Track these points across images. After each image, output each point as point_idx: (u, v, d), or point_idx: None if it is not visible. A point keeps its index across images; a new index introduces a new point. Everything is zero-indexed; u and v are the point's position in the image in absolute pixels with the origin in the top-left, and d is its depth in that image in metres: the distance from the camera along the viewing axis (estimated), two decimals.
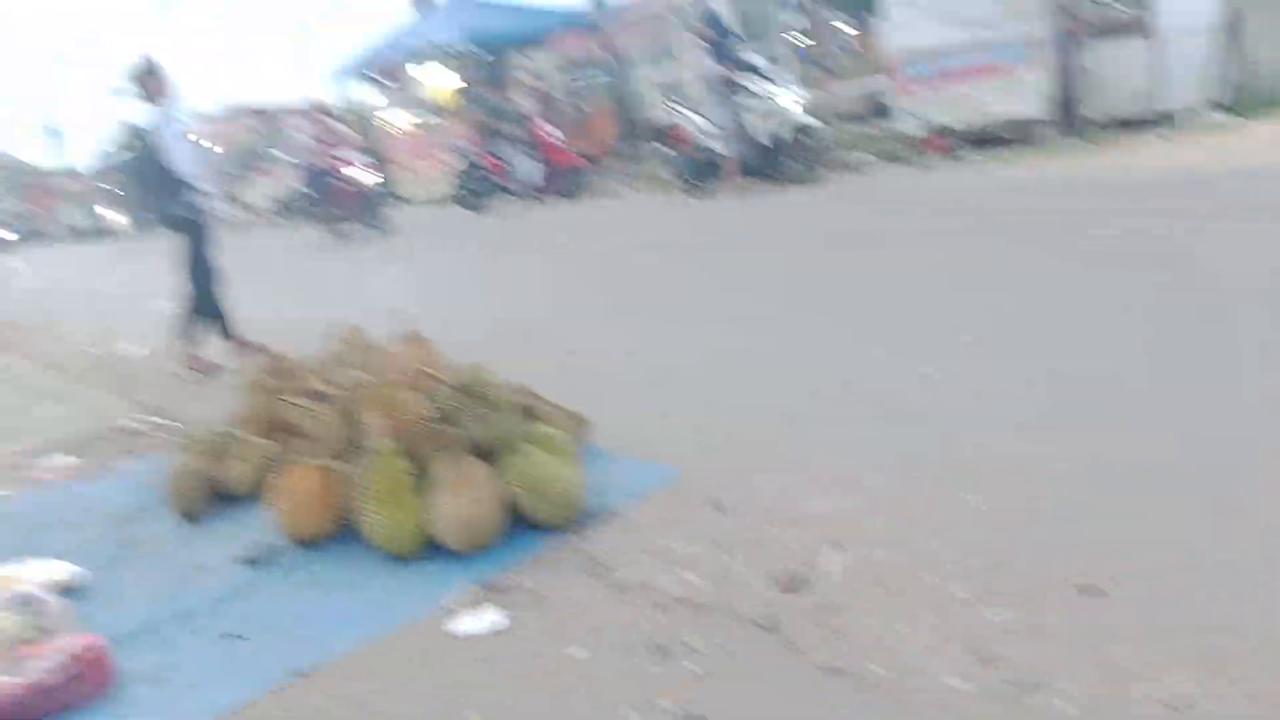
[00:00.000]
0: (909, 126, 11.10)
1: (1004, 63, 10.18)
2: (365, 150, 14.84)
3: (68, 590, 2.75)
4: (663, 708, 1.83)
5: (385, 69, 20.67)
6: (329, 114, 14.99)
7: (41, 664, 2.16)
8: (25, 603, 2.48)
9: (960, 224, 6.71)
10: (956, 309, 4.22)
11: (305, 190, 14.82)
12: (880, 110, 13.19)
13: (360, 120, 21.50)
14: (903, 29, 10.87)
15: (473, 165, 14.90)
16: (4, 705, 2.07)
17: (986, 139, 10.63)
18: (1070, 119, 10.23)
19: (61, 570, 2.82)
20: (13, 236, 33.98)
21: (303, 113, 15.08)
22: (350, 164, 13.74)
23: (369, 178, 13.88)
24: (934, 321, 4.13)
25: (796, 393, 3.60)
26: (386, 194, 14.48)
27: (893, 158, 11.37)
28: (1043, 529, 2.29)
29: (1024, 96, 10.15)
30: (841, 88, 13.61)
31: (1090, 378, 3.26)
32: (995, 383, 3.33)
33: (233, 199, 25.27)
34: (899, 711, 1.72)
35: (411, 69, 20.67)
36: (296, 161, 15.09)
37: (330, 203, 13.96)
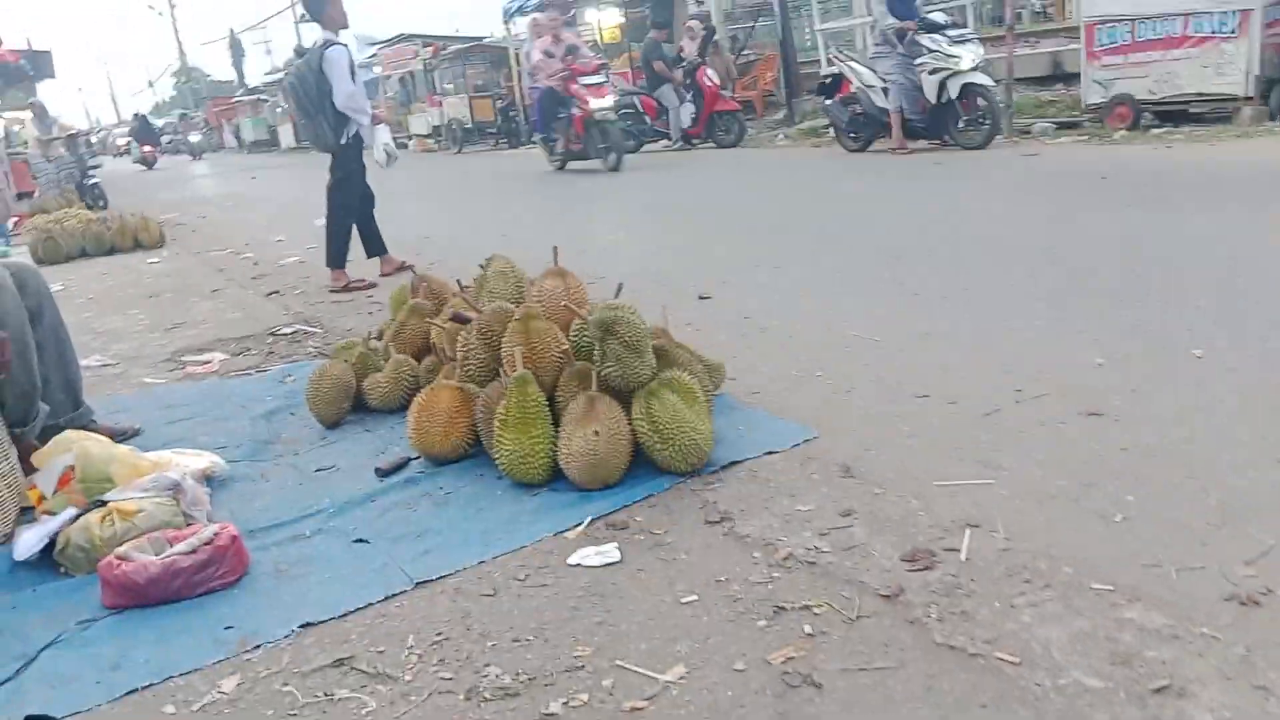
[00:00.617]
0: (1093, 94, 10.47)
1: (1206, 34, 9.46)
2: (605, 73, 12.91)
3: (210, 480, 2.88)
4: (771, 664, 1.78)
5: (553, 5, 20.73)
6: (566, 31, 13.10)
7: (180, 547, 2.25)
8: (172, 489, 2.59)
9: (1162, 214, 6.25)
10: (1171, 314, 3.79)
11: (535, 114, 13.19)
12: (1063, 76, 12.51)
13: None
14: None
15: (627, 106, 14.82)
16: (143, 582, 2.17)
17: (1174, 113, 9.94)
18: (1275, 99, 9.43)
19: (206, 460, 2.95)
20: (198, 141, 36.32)
21: (541, 28, 13.18)
22: (593, 89, 12.04)
23: (611, 105, 12.23)
24: (1139, 323, 3.77)
25: (947, 371, 3.45)
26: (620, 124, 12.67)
27: (1071, 126, 10.77)
28: (1198, 532, 2.11)
29: (1224, 71, 9.40)
30: (1024, 50, 12.91)
31: None
32: (1185, 386, 3.06)
33: (396, 126, 26.11)
34: (1022, 699, 1.62)
35: (579, 7, 20.75)
36: (531, 82, 13.42)
37: (562, 130, 12.58)
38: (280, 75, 34.79)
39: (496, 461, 2.74)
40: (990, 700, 1.63)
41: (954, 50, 9.92)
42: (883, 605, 1.94)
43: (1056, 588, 1.94)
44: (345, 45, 6.10)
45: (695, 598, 2.04)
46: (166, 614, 2.16)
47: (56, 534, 2.46)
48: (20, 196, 14.19)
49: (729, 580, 2.10)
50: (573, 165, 13.08)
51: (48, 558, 2.45)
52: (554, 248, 3.34)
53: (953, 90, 9.95)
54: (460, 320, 3.23)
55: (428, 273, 3.97)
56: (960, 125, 10.20)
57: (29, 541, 2.46)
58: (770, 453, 2.77)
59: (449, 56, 25.70)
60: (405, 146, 25.70)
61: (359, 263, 6.47)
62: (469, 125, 23.73)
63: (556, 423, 2.73)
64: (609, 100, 12.12)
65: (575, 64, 12.14)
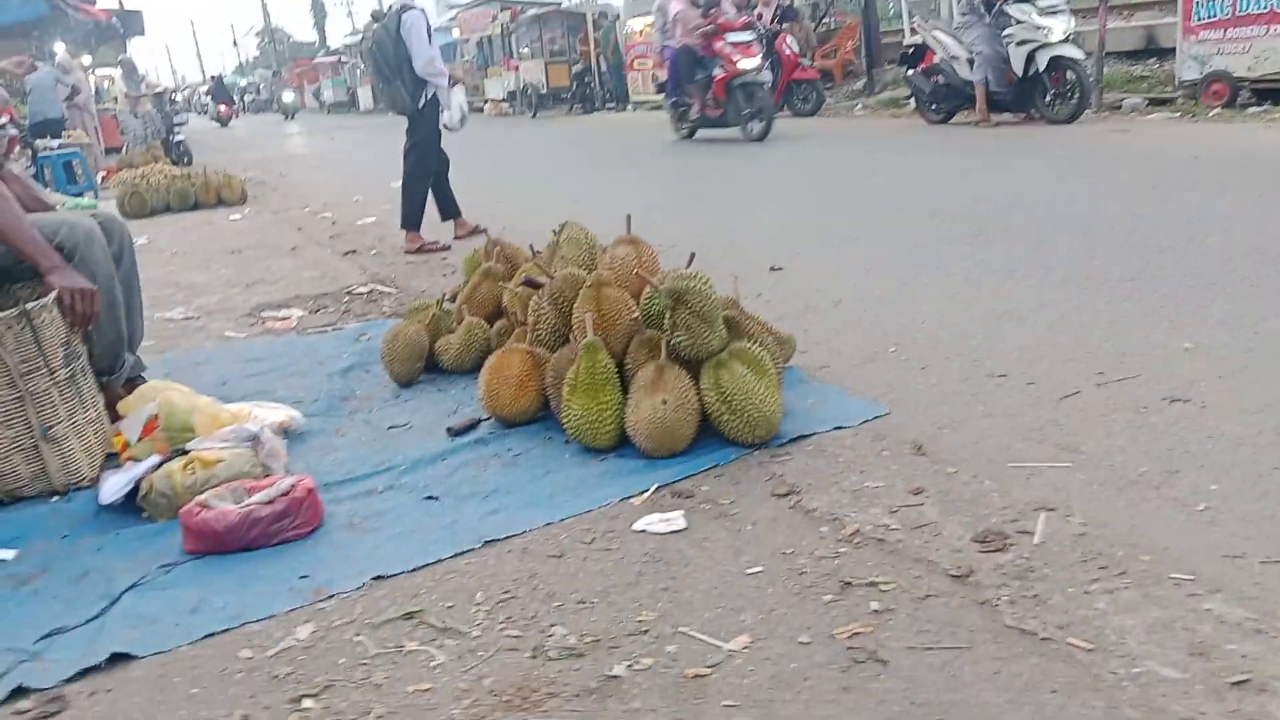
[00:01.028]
0: (1188, 70, 10.08)
1: None
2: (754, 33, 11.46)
3: (287, 433, 2.95)
4: (836, 639, 1.77)
5: None
6: None
7: (258, 497, 2.31)
8: (251, 440, 2.66)
9: (1259, 197, 6.01)
10: (1265, 301, 3.64)
11: (668, 77, 11.96)
12: (1157, 50, 12.07)
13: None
14: None
15: None
16: (221, 530, 2.23)
17: (1273, 92, 9.53)
18: None
19: (284, 414, 3.01)
20: (290, 101, 37.24)
21: None
22: (741, 47, 10.81)
23: (759, 65, 10.94)
24: (1230, 309, 3.64)
25: (1026, 352, 3.38)
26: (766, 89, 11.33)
27: (1163, 102, 10.40)
28: None
29: None
30: (1118, 22, 12.47)
31: None
32: (1276, 376, 2.94)
33: (472, 89, 26.23)
34: (1094, 687, 1.58)
35: None
36: (664, 39, 12.15)
37: (698, 93, 11.37)
38: (360, 38, 35.21)
39: (565, 426, 2.75)
40: (1061, 686, 1.60)
41: (1044, 21, 9.63)
42: (952, 585, 1.91)
43: (1134, 575, 1.89)
44: (422, 10, 6.14)
45: (760, 569, 2.04)
46: (244, 561, 2.22)
47: (140, 480, 2.54)
48: (108, 151, 14.62)
49: (795, 553, 2.09)
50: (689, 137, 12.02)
51: (131, 502, 2.54)
52: (627, 216, 3.33)
53: (1041, 63, 9.67)
54: (532, 285, 3.25)
55: (501, 237, 4.00)
56: (1047, 99, 9.92)
57: (114, 486, 2.55)
58: (840, 428, 2.74)
59: (526, 21, 25.71)
60: (480, 110, 25.82)
61: (433, 225, 6.53)
62: (544, 90, 23.77)
63: (625, 390, 2.74)
64: (757, 60, 10.87)
65: (721, 19, 10.95)
